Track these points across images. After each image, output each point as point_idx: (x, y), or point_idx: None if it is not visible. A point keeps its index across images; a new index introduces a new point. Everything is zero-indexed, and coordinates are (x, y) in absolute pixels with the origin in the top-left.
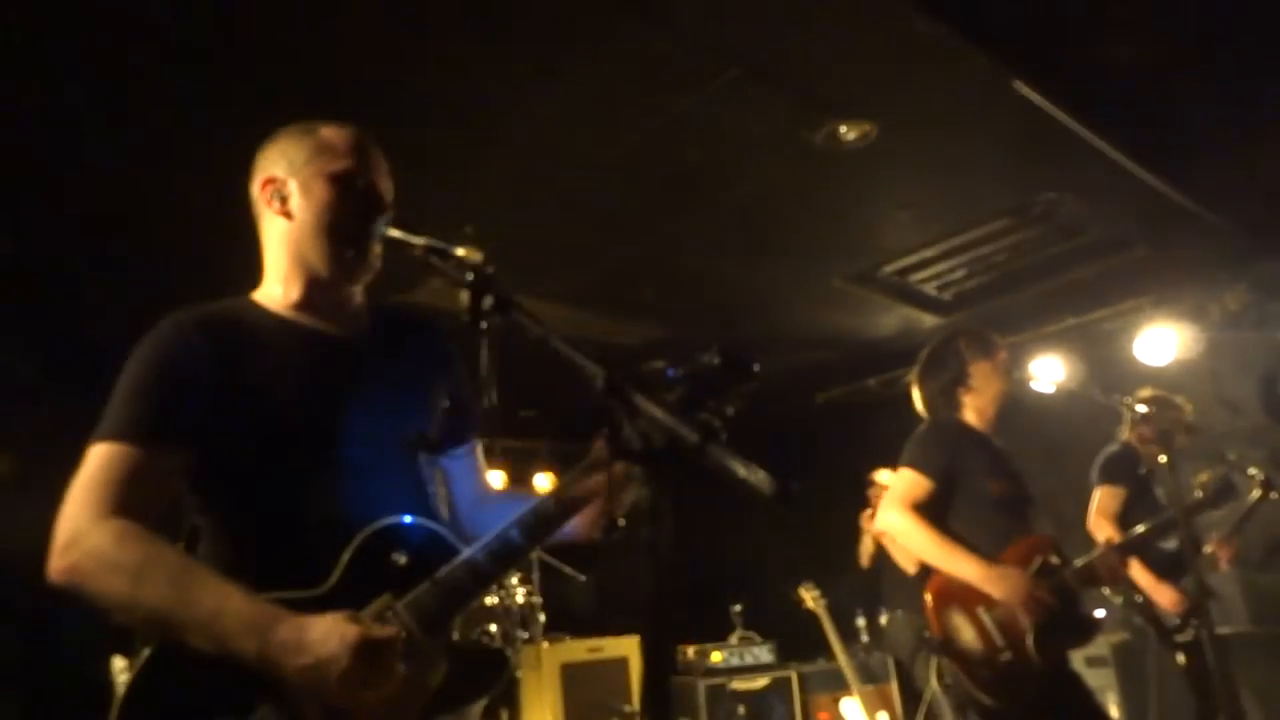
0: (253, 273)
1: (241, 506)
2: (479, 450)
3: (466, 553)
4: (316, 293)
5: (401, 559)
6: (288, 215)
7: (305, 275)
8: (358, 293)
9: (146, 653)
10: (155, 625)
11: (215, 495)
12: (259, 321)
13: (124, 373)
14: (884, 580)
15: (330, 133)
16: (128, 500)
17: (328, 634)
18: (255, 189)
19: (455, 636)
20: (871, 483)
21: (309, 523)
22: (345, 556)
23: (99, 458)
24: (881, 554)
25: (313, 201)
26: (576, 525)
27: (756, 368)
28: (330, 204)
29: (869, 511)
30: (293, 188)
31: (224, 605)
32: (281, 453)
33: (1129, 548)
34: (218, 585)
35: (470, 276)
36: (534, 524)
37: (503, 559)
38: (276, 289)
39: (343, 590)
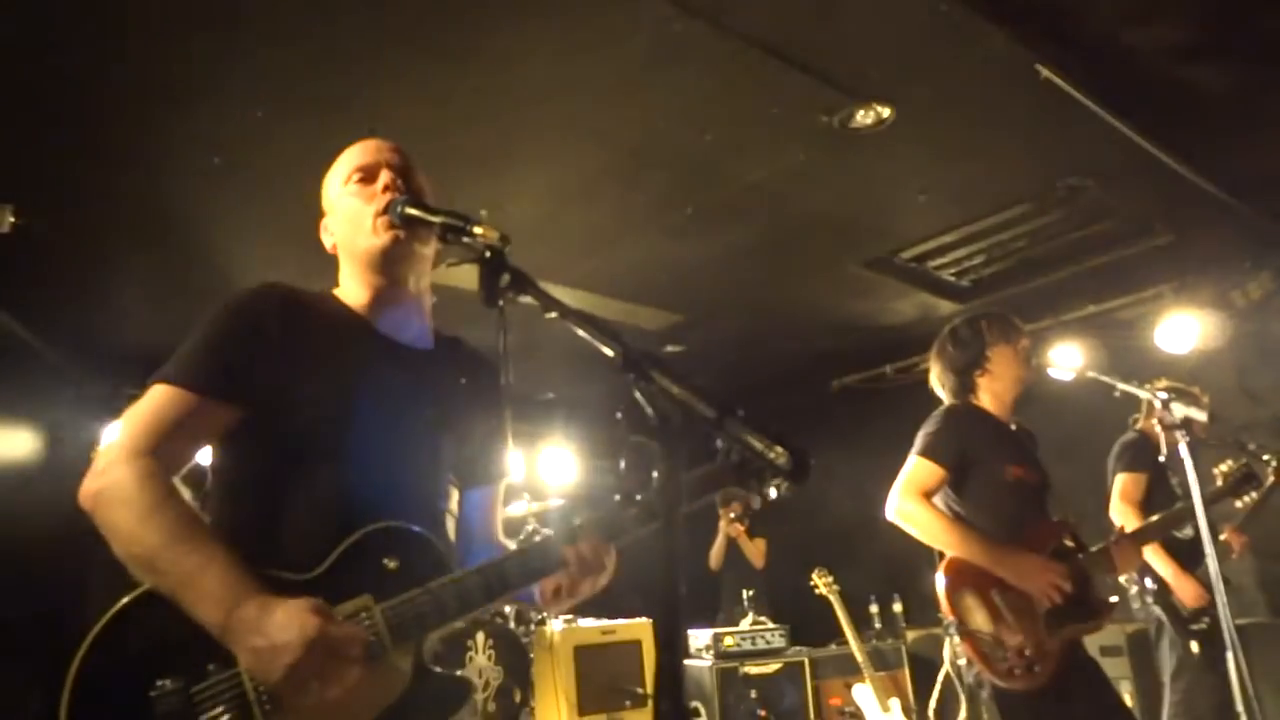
0: (276, 269)
1: (258, 478)
2: (499, 495)
3: (458, 574)
4: (379, 301)
5: (392, 563)
6: (337, 243)
7: (368, 288)
8: (422, 302)
9: (129, 596)
10: (143, 570)
11: (239, 459)
12: (331, 311)
13: (203, 323)
14: (724, 580)
15: (343, 157)
16: (168, 443)
17: (289, 621)
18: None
19: (424, 652)
20: (728, 512)
21: (317, 507)
22: (340, 548)
23: (157, 397)
24: (730, 556)
25: (339, 217)
26: (541, 589)
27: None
28: (351, 210)
29: (729, 514)
30: (331, 218)
31: (205, 568)
32: (313, 434)
33: (1144, 535)
34: (208, 548)
35: (487, 254)
36: (534, 565)
37: (492, 591)
38: (351, 295)
39: (328, 580)
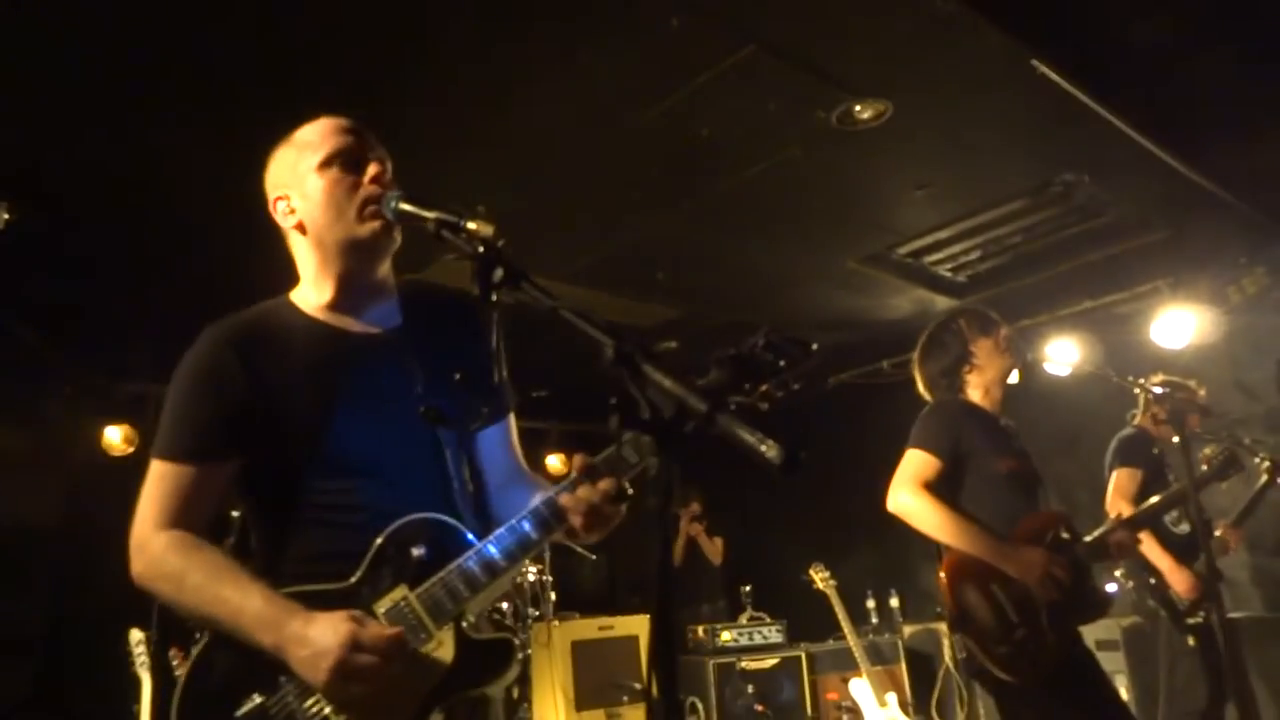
0: (270, 264)
1: (276, 505)
2: (512, 427)
3: (479, 546)
4: (347, 289)
5: (420, 552)
6: (301, 225)
7: (333, 274)
8: (388, 281)
9: (205, 638)
10: (203, 623)
11: (254, 495)
12: (291, 325)
13: (169, 390)
14: (683, 578)
15: (305, 131)
16: (179, 512)
17: (325, 629)
18: (271, 213)
19: (465, 624)
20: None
21: (341, 521)
22: (370, 552)
23: (154, 474)
24: (688, 555)
25: (313, 199)
26: (571, 530)
27: (814, 347)
28: (328, 191)
29: (688, 514)
30: (295, 197)
31: (245, 604)
32: (313, 454)
33: (1139, 522)
34: (242, 585)
35: (481, 250)
36: (548, 517)
37: (514, 552)
38: (310, 292)
39: (366, 583)
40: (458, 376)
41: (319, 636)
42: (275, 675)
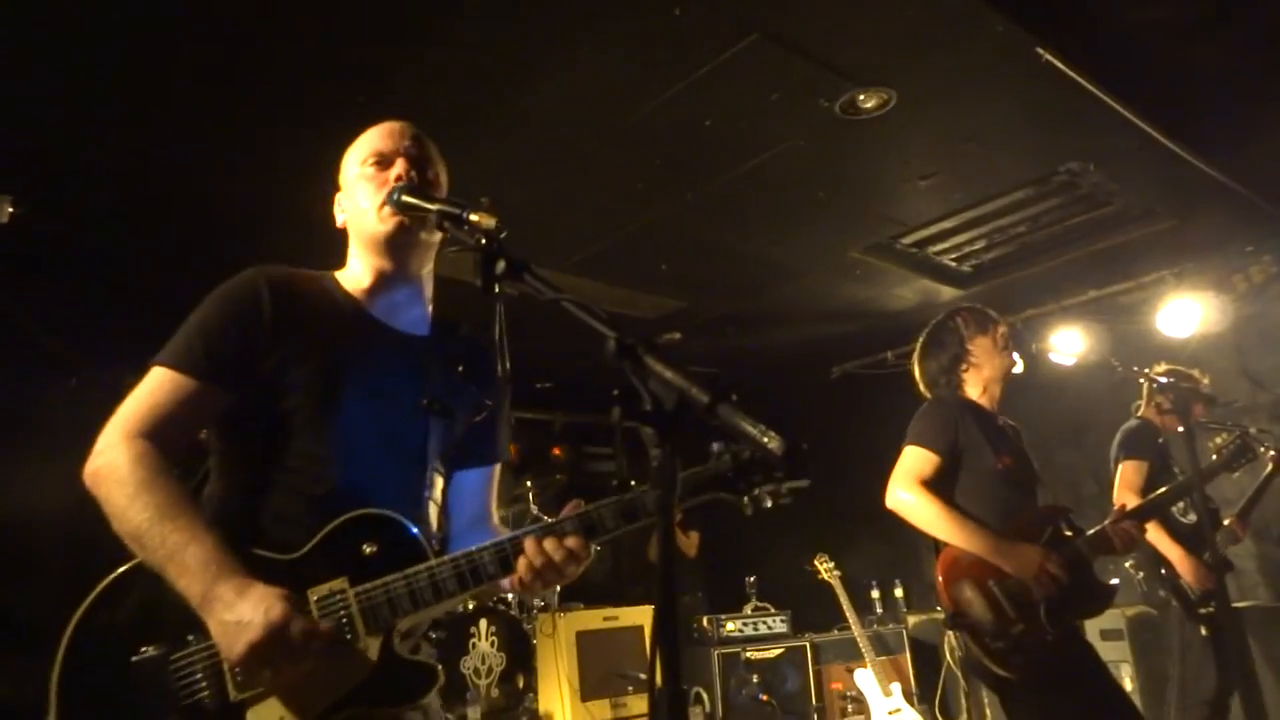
0: (284, 258)
1: (252, 458)
2: (495, 477)
3: (433, 563)
4: (381, 285)
5: (370, 549)
6: (346, 221)
7: (369, 269)
8: (424, 287)
9: (121, 569)
10: (134, 544)
11: (233, 441)
12: (329, 295)
13: (200, 307)
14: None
15: (365, 136)
16: (162, 425)
17: (258, 603)
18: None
19: (395, 639)
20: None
21: (302, 491)
22: (321, 532)
23: (154, 379)
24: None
25: (351, 198)
26: (512, 581)
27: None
28: (361, 189)
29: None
30: (345, 196)
31: (189, 544)
32: (302, 419)
33: (1142, 514)
34: (193, 525)
35: (483, 241)
36: (508, 554)
37: (466, 581)
38: (351, 276)
39: (309, 562)
40: (480, 426)
41: (248, 609)
42: (185, 632)
